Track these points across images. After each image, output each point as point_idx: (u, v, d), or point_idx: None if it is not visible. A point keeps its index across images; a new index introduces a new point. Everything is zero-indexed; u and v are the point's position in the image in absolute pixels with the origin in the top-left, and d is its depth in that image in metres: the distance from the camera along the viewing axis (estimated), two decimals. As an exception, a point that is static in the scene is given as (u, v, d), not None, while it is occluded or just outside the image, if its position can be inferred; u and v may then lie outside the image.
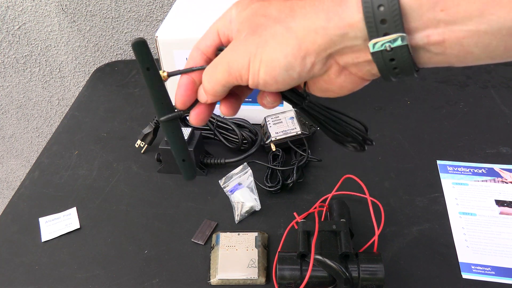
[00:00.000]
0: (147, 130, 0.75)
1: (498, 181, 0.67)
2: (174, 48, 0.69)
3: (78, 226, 0.65)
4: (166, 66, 0.71)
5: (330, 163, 0.72)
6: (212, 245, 0.60)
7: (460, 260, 0.57)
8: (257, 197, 0.66)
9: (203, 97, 0.35)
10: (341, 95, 0.34)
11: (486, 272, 0.55)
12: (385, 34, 0.27)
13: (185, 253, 0.60)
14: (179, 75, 0.36)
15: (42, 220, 0.66)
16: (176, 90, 0.36)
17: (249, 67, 0.31)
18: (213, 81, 0.33)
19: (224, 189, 0.68)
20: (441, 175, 0.69)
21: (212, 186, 0.69)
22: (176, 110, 0.36)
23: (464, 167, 0.70)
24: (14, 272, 0.59)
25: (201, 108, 0.37)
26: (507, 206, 0.63)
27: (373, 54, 0.28)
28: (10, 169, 1.32)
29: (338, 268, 0.49)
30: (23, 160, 1.30)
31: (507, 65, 0.94)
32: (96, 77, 1.02)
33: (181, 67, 0.69)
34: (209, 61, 0.35)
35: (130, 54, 1.08)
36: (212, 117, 0.74)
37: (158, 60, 0.71)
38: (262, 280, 0.56)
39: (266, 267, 0.57)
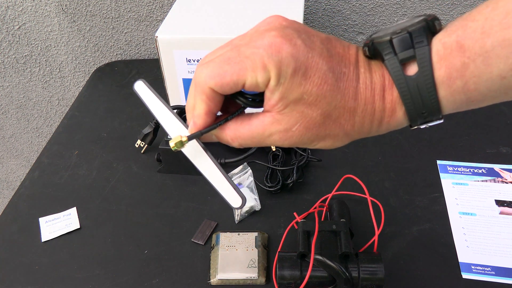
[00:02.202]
0: (147, 130, 0.75)
1: (498, 181, 0.67)
2: (174, 48, 0.69)
3: (78, 226, 0.65)
4: (166, 66, 0.71)
5: (330, 163, 0.72)
6: (212, 245, 0.60)
7: (460, 260, 0.57)
8: (257, 197, 0.66)
9: (191, 128, 0.36)
10: None
11: (486, 272, 0.55)
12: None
13: (185, 253, 0.60)
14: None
15: (42, 220, 0.66)
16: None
17: (303, 142, 0.33)
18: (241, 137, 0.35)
19: (224, 189, 0.68)
20: (441, 175, 0.69)
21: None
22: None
23: (464, 167, 0.70)
24: (14, 272, 0.59)
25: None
26: (507, 206, 0.63)
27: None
28: (10, 169, 1.32)
29: (338, 268, 0.49)
30: (23, 160, 1.30)
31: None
32: (96, 77, 1.02)
33: (181, 67, 0.69)
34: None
35: (130, 54, 1.08)
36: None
37: (158, 60, 0.71)
38: (262, 280, 0.56)
39: (266, 267, 0.57)
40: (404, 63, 0.30)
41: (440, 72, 0.29)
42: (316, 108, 0.31)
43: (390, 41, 0.30)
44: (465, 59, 0.28)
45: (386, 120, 0.32)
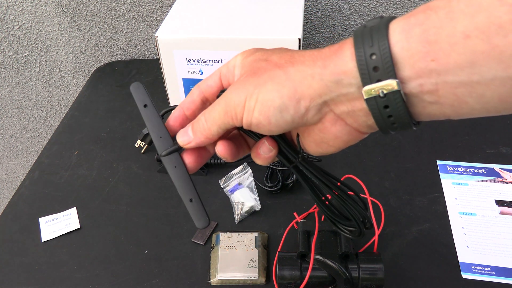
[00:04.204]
0: (147, 130, 0.75)
1: (498, 181, 0.67)
2: (174, 48, 0.69)
3: (78, 226, 0.65)
4: (166, 66, 0.71)
5: (330, 163, 0.72)
6: (212, 245, 0.60)
7: (460, 260, 0.57)
8: (257, 197, 0.66)
9: (185, 138, 0.35)
10: (336, 149, 0.33)
11: (486, 272, 0.55)
12: (378, 81, 0.27)
13: (185, 253, 0.60)
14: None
15: (42, 220, 0.66)
16: (166, 121, 0.37)
17: (245, 105, 0.31)
18: (210, 120, 0.33)
19: (224, 189, 0.68)
20: (441, 175, 0.69)
21: (212, 186, 0.69)
22: (176, 144, 0.36)
23: (464, 167, 0.70)
24: (14, 272, 0.59)
25: (195, 150, 0.37)
26: (507, 206, 0.63)
27: (367, 100, 0.28)
28: (10, 169, 1.32)
29: (338, 268, 0.49)
30: (23, 160, 1.30)
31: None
32: (96, 77, 1.02)
33: (181, 67, 0.69)
34: (205, 101, 0.36)
35: (130, 54, 1.08)
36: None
37: (158, 60, 0.71)
38: (262, 280, 0.56)
39: (266, 267, 0.57)
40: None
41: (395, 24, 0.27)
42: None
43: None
44: (427, 11, 0.26)
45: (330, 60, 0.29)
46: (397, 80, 0.26)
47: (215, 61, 0.69)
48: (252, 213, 0.65)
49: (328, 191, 0.36)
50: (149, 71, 1.01)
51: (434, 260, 0.57)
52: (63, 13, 1.01)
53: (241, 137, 0.38)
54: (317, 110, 0.30)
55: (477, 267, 0.56)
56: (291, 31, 0.66)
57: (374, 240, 0.54)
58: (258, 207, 0.65)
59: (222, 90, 0.35)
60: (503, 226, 0.61)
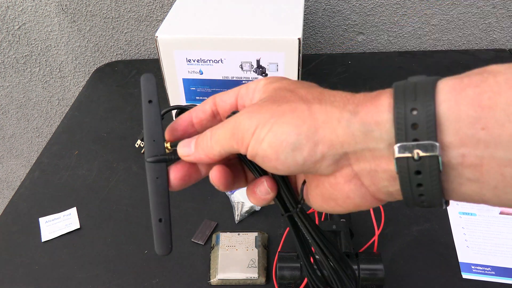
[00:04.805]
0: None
1: (498, 181, 0.67)
2: (174, 48, 0.69)
3: (78, 226, 0.65)
4: (166, 66, 0.71)
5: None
6: (212, 245, 0.60)
7: (460, 260, 0.57)
8: (257, 197, 0.66)
9: (185, 150, 0.31)
10: (344, 210, 0.29)
11: (486, 272, 0.55)
12: (415, 140, 0.23)
13: (185, 253, 0.60)
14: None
15: (42, 220, 0.66)
16: (172, 122, 0.34)
17: (254, 132, 0.27)
18: (215, 139, 0.30)
19: (224, 189, 0.68)
20: (441, 175, 0.69)
21: (212, 186, 0.69)
22: (167, 154, 0.32)
23: (464, 167, 0.70)
24: (14, 272, 0.59)
25: (185, 167, 0.33)
26: (507, 206, 0.63)
27: (397, 160, 0.24)
28: (10, 169, 1.32)
29: (338, 268, 0.49)
30: (23, 160, 1.30)
31: (507, 65, 0.94)
32: (96, 77, 1.02)
33: (181, 67, 0.69)
34: (216, 114, 0.33)
35: (130, 54, 1.08)
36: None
37: (158, 60, 0.71)
38: (262, 280, 0.56)
39: (266, 267, 0.57)
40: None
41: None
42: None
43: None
44: (484, 73, 0.22)
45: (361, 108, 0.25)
46: (438, 144, 0.22)
47: (215, 61, 0.69)
48: (252, 213, 0.65)
49: (319, 253, 0.32)
50: (149, 71, 1.01)
51: (434, 260, 0.57)
52: (63, 13, 1.01)
53: (240, 167, 0.34)
54: (334, 160, 0.26)
55: (477, 267, 0.56)
56: (291, 31, 0.66)
57: (374, 240, 0.54)
58: (258, 207, 0.65)
59: (234, 111, 0.31)
60: (503, 226, 0.61)
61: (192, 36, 0.68)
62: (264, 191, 0.31)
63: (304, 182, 0.31)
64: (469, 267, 0.56)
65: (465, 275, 0.55)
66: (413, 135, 0.23)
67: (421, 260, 0.57)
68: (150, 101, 0.33)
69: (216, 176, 0.32)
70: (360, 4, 0.97)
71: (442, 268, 0.56)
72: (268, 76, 0.33)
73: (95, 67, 1.10)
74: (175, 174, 0.32)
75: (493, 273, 0.55)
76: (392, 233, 0.60)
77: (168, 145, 0.32)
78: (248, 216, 0.65)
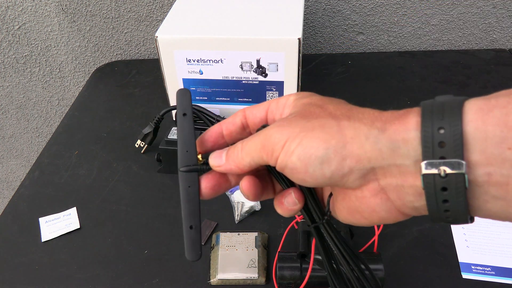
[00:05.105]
0: (147, 130, 0.75)
1: (498, 181, 0.67)
2: (174, 48, 0.69)
3: (78, 226, 0.65)
4: (166, 66, 0.71)
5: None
6: (212, 245, 0.60)
7: (460, 260, 0.57)
8: (257, 197, 0.66)
9: (216, 160, 0.33)
10: (369, 223, 0.30)
11: (486, 272, 0.55)
12: (441, 158, 0.24)
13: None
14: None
15: (42, 220, 0.66)
16: (203, 134, 0.35)
17: (284, 145, 0.28)
18: (245, 150, 0.31)
19: (224, 189, 0.68)
20: (441, 175, 0.69)
21: (212, 186, 0.69)
22: (199, 165, 0.34)
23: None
24: (14, 272, 0.59)
25: (216, 176, 0.34)
26: (507, 206, 0.63)
27: (424, 176, 0.24)
28: (10, 169, 1.32)
29: (338, 268, 0.49)
30: (23, 160, 1.30)
31: (507, 65, 0.94)
32: (96, 77, 1.02)
33: (181, 67, 0.69)
34: (246, 126, 0.34)
35: (130, 54, 1.08)
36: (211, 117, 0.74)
37: (158, 60, 0.71)
38: (262, 280, 0.56)
39: (266, 267, 0.57)
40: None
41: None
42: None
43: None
44: (511, 95, 0.23)
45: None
46: (464, 162, 0.23)
47: (215, 61, 0.69)
48: (252, 213, 0.65)
49: (344, 265, 0.33)
50: (149, 71, 1.01)
51: (434, 260, 0.57)
52: (63, 13, 1.01)
53: (269, 178, 0.35)
54: (361, 174, 0.27)
55: (477, 267, 0.56)
56: (291, 31, 0.66)
57: (374, 240, 0.54)
58: (258, 207, 0.65)
59: (264, 125, 0.32)
60: (503, 226, 0.61)
61: (192, 36, 0.68)
62: (291, 202, 0.32)
63: (331, 194, 0.32)
64: (469, 267, 0.56)
65: (465, 275, 0.55)
66: (440, 153, 0.24)
67: (421, 260, 0.57)
68: (184, 114, 0.34)
69: (246, 186, 0.33)
70: (360, 4, 0.97)
71: (442, 268, 0.56)
72: (298, 92, 0.34)
73: (95, 67, 1.10)
74: (206, 183, 0.34)
75: (493, 273, 0.55)
76: (392, 233, 0.60)
77: (199, 156, 0.34)
78: (248, 216, 0.65)
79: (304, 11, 0.77)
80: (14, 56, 1.07)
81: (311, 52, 1.05)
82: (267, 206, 0.66)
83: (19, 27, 1.02)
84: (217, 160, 0.33)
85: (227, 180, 0.35)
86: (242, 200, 0.65)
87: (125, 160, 0.76)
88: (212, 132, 0.35)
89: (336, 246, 0.33)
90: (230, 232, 0.61)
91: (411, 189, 0.26)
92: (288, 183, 0.33)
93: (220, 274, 0.56)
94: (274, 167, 0.30)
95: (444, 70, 0.93)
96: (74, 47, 1.07)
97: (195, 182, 0.34)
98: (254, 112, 0.34)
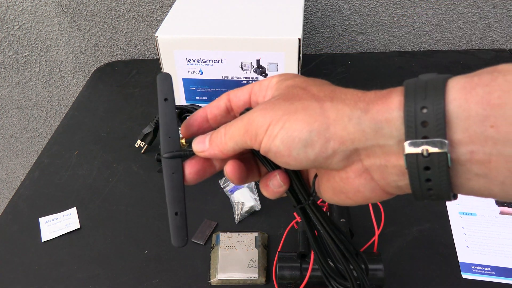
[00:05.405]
0: (147, 130, 0.75)
1: (498, 181, 0.67)
2: (174, 48, 0.69)
3: (78, 226, 0.65)
4: (166, 66, 0.71)
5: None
6: (212, 245, 0.60)
7: (460, 260, 0.57)
8: (257, 197, 0.66)
9: (200, 146, 0.32)
10: (354, 203, 0.30)
11: (486, 272, 0.55)
12: (424, 138, 0.24)
13: (185, 253, 0.60)
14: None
15: (42, 220, 0.66)
16: (187, 118, 0.35)
17: (268, 129, 0.28)
18: (229, 135, 0.31)
19: (224, 189, 0.68)
20: (441, 175, 0.69)
21: (212, 186, 0.69)
22: (182, 150, 0.33)
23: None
24: (14, 272, 0.59)
25: (200, 162, 0.34)
26: (507, 206, 0.63)
27: (407, 156, 0.24)
28: (10, 169, 1.32)
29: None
30: (23, 160, 1.30)
31: (507, 65, 0.94)
32: (96, 77, 1.02)
33: (181, 67, 0.68)
34: (230, 110, 0.34)
35: (130, 54, 1.08)
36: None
37: (158, 60, 0.71)
38: (262, 280, 0.56)
39: (266, 267, 0.57)
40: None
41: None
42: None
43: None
44: (494, 73, 0.23)
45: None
46: (446, 141, 0.23)
47: (215, 61, 0.69)
48: (252, 213, 0.65)
49: (331, 244, 0.33)
50: (149, 71, 1.01)
51: (434, 260, 0.57)
52: (63, 13, 1.01)
53: (253, 161, 0.35)
54: (345, 156, 0.27)
55: (477, 267, 0.56)
56: (291, 31, 0.66)
57: (374, 240, 0.54)
58: (258, 207, 0.65)
59: (248, 108, 0.32)
60: (503, 226, 0.61)
61: (192, 36, 0.68)
62: (276, 184, 0.32)
63: (316, 175, 0.32)
64: (469, 267, 0.56)
65: (465, 275, 0.55)
66: (423, 133, 0.24)
67: (421, 260, 0.57)
68: (166, 99, 0.33)
69: (230, 170, 0.32)
70: (360, 4, 0.97)
71: (442, 268, 0.56)
72: (280, 73, 0.33)
73: (95, 67, 1.10)
74: (190, 169, 0.33)
75: (493, 273, 0.55)
76: (392, 233, 0.60)
77: (183, 141, 0.34)
78: (248, 216, 0.65)
79: (304, 11, 0.77)
80: (14, 56, 1.07)
81: (311, 52, 1.05)
82: (267, 206, 0.66)
83: (19, 27, 1.02)
84: (200, 146, 0.33)
85: (212, 165, 0.34)
86: (242, 200, 0.65)
87: (125, 160, 0.76)
88: (197, 117, 0.34)
89: (322, 225, 0.33)
90: (230, 232, 0.61)
91: (394, 169, 0.26)
92: (273, 166, 0.33)
93: (220, 274, 0.56)
94: (259, 151, 0.29)
95: (444, 70, 0.93)
96: (74, 47, 1.07)
97: (179, 168, 0.33)
98: (238, 95, 0.34)
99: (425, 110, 0.23)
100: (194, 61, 0.70)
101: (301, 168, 0.29)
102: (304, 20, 0.78)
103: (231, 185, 0.68)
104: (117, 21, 1.02)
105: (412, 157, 0.24)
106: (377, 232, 0.54)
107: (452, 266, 0.56)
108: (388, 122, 0.25)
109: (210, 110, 0.34)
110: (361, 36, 1.02)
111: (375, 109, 0.26)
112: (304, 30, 0.96)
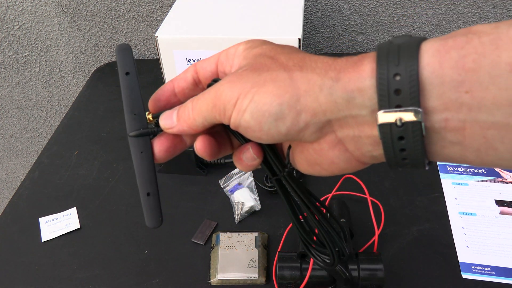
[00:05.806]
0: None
1: (498, 181, 0.67)
2: (174, 48, 0.69)
3: (78, 226, 0.65)
4: (166, 66, 0.71)
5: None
6: (212, 245, 0.60)
7: (460, 260, 0.57)
8: (257, 197, 0.66)
9: (167, 122, 0.31)
10: (329, 174, 0.29)
11: (486, 272, 0.55)
12: (398, 107, 0.23)
13: (185, 253, 0.60)
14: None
15: (42, 220, 0.66)
16: (155, 93, 0.33)
17: (236, 103, 0.26)
18: (196, 110, 0.29)
19: (224, 189, 0.68)
20: (441, 175, 0.69)
21: (212, 186, 0.69)
22: (150, 127, 0.31)
23: (464, 167, 0.70)
24: (14, 272, 0.59)
25: (169, 138, 0.32)
26: (507, 206, 0.63)
27: (380, 127, 0.24)
28: (10, 169, 1.32)
29: (338, 268, 0.49)
30: (23, 160, 1.30)
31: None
32: (96, 77, 1.02)
33: (181, 67, 0.69)
34: (198, 82, 0.33)
35: (130, 54, 1.08)
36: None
37: (158, 60, 0.71)
38: (262, 280, 0.56)
39: (266, 267, 0.57)
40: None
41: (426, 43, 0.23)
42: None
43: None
44: (468, 34, 0.22)
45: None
46: (420, 109, 0.22)
47: (215, 61, 0.69)
48: (252, 213, 0.65)
49: (307, 213, 0.33)
50: (149, 71, 1.01)
51: (434, 260, 0.57)
52: (63, 13, 1.01)
53: (225, 134, 0.33)
54: (317, 128, 0.26)
55: (477, 267, 0.56)
56: (291, 31, 0.66)
57: (374, 240, 0.54)
58: (258, 207, 0.65)
59: (215, 80, 0.30)
60: (503, 226, 0.61)
61: (192, 36, 0.68)
62: (250, 157, 0.31)
63: (290, 146, 0.31)
64: (469, 267, 0.56)
65: (465, 275, 0.55)
66: (396, 101, 0.23)
67: (421, 260, 0.57)
68: (127, 73, 0.31)
69: (201, 147, 0.31)
70: (360, 4, 0.97)
71: (442, 268, 0.56)
72: (247, 39, 0.31)
73: (95, 67, 1.10)
74: (160, 146, 0.32)
75: (493, 273, 0.55)
76: (392, 233, 0.60)
77: (150, 116, 0.32)
78: (248, 216, 0.65)
79: (304, 11, 0.77)
80: (14, 56, 1.07)
81: (311, 52, 1.05)
82: (267, 206, 0.66)
83: (19, 27, 1.02)
84: (168, 122, 0.31)
85: (182, 141, 0.33)
86: (242, 200, 0.65)
87: (125, 160, 0.76)
88: (164, 91, 0.33)
89: (299, 195, 0.33)
90: (230, 232, 0.61)
91: (368, 139, 0.25)
92: (245, 139, 0.31)
93: (220, 274, 0.56)
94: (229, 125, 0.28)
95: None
96: (74, 47, 1.07)
97: (147, 147, 0.31)
98: (204, 66, 0.32)
99: (398, 78, 0.23)
100: (194, 61, 0.70)
101: (273, 142, 0.28)
102: (304, 20, 0.78)
103: (231, 185, 0.68)
104: (117, 21, 1.02)
105: (385, 127, 0.24)
106: (377, 232, 0.54)
107: (452, 266, 0.56)
108: (360, 92, 0.24)
109: (177, 83, 0.33)
110: (361, 36, 1.02)
111: (347, 78, 0.24)
112: (304, 30, 0.96)
